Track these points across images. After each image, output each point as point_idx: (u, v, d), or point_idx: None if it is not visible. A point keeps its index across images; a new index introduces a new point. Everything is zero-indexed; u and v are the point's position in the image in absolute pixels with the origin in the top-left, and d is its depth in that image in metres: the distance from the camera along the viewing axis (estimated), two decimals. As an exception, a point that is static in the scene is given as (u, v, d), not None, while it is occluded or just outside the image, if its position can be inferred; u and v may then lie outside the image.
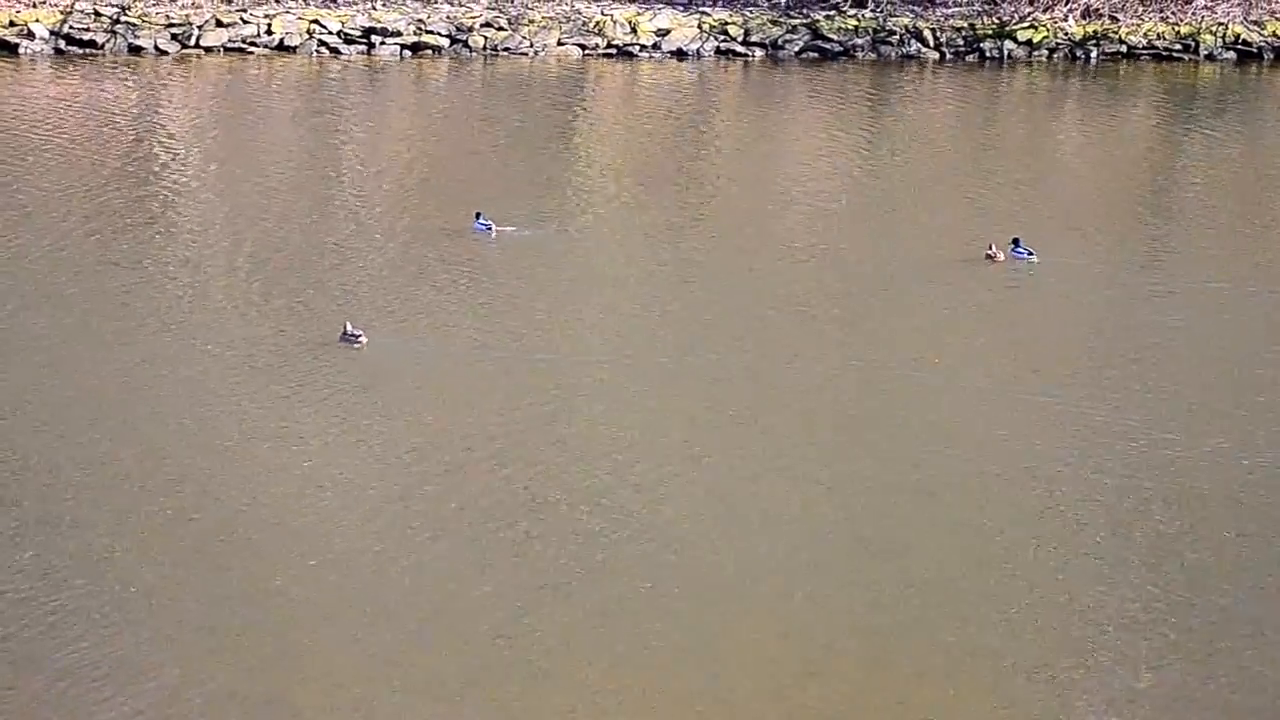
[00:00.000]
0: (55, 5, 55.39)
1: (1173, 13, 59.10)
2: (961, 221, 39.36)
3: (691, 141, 47.60)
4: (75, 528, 24.34)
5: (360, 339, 30.72)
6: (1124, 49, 58.30)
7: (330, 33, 56.05)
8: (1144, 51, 58.34)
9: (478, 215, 37.90)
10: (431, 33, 56.53)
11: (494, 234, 37.59)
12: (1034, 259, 35.98)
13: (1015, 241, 36.30)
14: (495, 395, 29.27)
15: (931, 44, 57.75)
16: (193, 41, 55.22)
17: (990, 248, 36.36)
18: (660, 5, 58.82)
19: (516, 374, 30.12)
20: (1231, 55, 58.29)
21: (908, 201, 41.79)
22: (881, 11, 58.31)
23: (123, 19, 55.16)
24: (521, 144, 46.37)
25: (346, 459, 26.72)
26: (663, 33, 57.37)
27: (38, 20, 54.74)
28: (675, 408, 29.19)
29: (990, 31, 58.08)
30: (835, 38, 57.61)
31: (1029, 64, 57.55)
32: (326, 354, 30.56)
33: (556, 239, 38.08)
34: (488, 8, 57.90)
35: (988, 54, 57.78)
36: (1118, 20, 58.75)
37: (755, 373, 30.71)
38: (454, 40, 56.54)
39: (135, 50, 54.81)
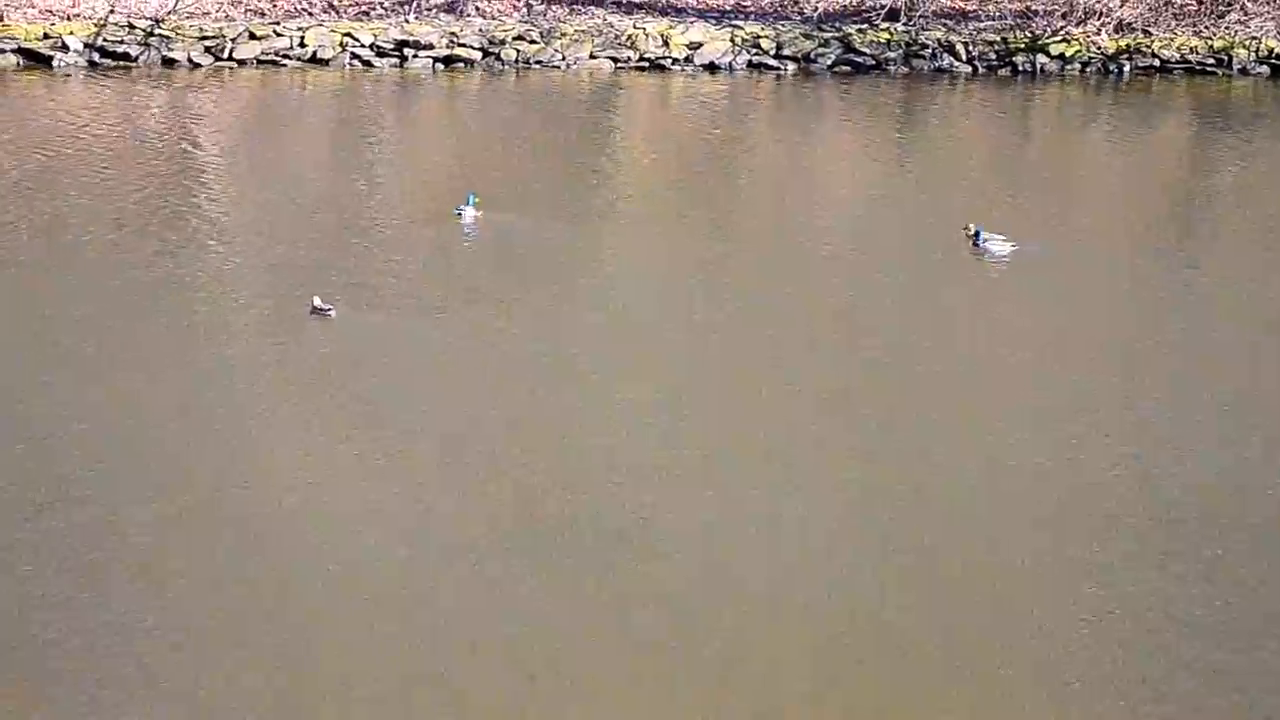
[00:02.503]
0: (89, 18, 55.59)
1: (1206, 27, 58.99)
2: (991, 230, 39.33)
3: (719, 151, 47.66)
4: (82, 516, 24.51)
5: (330, 312, 32.41)
6: (1157, 63, 58.18)
7: (363, 45, 56.15)
8: (1177, 66, 58.22)
9: (470, 198, 39.11)
10: (464, 46, 56.60)
11: (472, 219, 38.72)
12: (994, 248, 37.35)
13: (977, 232, 37.63)
14: (482, 380, 29.89)
15: (964, 58, 57.68)
16: (226, 54, 55.34)
17: (968, 228, 37.74)
18: (693, 19, 58.86)
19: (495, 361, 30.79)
20: (1265, 69, 58.14)
21: (937, 210, 41.67)
22: (914, 25, 58.25)
23: (156, 31, 55.31)
24: (549, 151, 46.53)
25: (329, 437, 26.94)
26: (695, 46, 57.39)
27: (72, 33, 54.92)
28: (672, 401, 29.39)
29: (1023, 45, 58.00)
30: (867, 51, 57.58)
31: (1061, 78, 57.43)
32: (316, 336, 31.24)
33: (540, 229, 38.59)
34: (520, 21, 58.00)
35: (1020, 68, 57.69)
36: (1150, 35, 58.63)
37: (760, 369, 30.86)
38: (486, 53, 56.61)
39: (169, 63, 54.95)
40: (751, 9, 59.93)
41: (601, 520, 24.99)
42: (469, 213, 38.80)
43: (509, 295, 34.43)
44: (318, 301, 32.70)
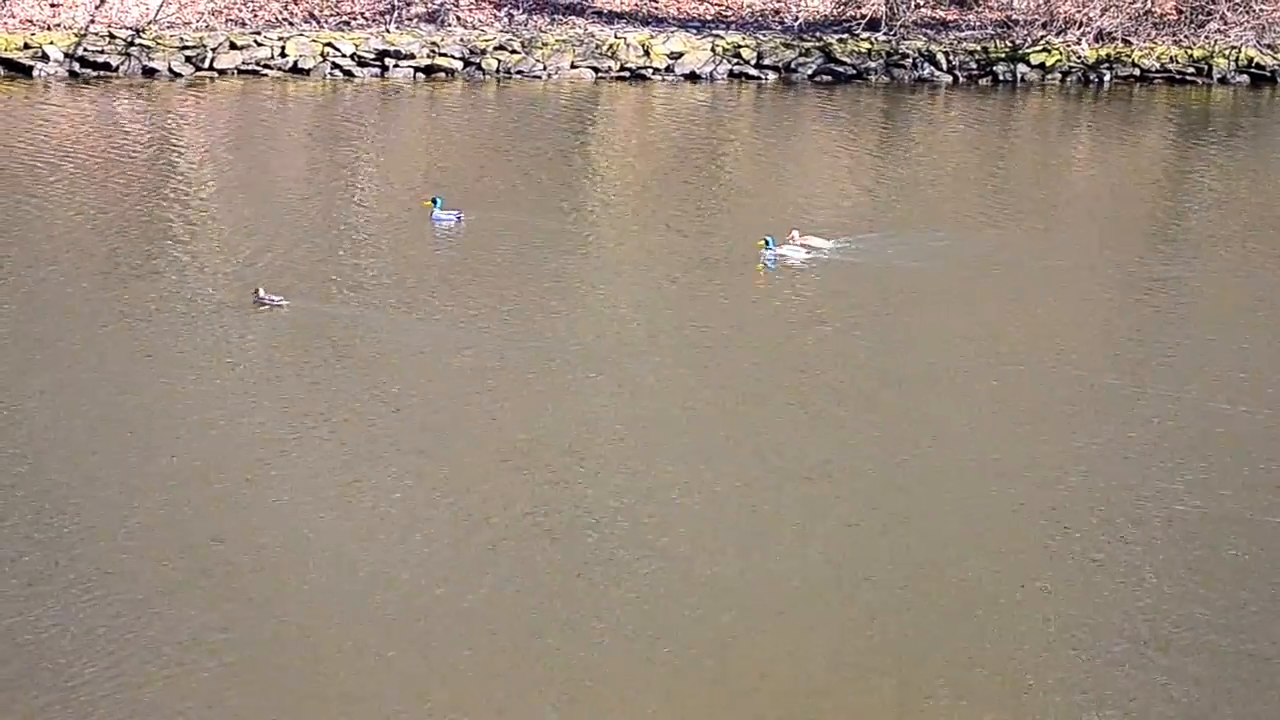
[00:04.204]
0: (69, 28, 55.64)
1: (1185, 36, 59.10)
2: (970, 239, 39.33)
3: (697, 161, 47.64)
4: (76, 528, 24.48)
5: (273, 302, 32.84)
6: (1137, 72, 58.30)
7: (344, 55, 56.22)
8: (1157, 75, 58.33)
9: (438, 202, 39.30)
10: (445, 55, 56.67)
11: (458, 222, 39.01)
12: (776, 254, 36.98)
13: (767, 241, 37.18)
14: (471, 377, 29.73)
15: (944, 67, 57.78)
16: (207, 64, 55.41)
17: (791, 234, 37.37)
18: (673, 28, 58.94)
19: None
20: (1244, 79, 58.28)
21: (914, 218, 41.72)
22: (894, 35, 58.34)
23: (137, 41, 55.36)
24: (529, 159, 46.55)
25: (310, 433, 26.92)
26: (676, 56, 57.47)
27: (52, 43, 54.96)
28: (639, 396, 29.44)
29: (1003, 55, 58.11)
30: (848, 61, 57.66)
31: (1042, 87, 57.54)
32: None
33: (518, 233, 38.87)
34: (501, 31, 58.07)
35: (1000, 77, 57.80)
36: (1130, 44, 58.75)
37: (729, 368, 30.81)
38: (467, 63, 56.67)
39: (149, 73, 55.01)
40: (732, 19, 60.03)
41: (573, 519, 25.00)
42: (452, 216, 38.95)
43: (481, 294, 34.53)
44: (261, 293, 33.10)
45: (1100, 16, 58.62)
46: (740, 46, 57.79)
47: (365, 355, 31.25)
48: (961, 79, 57.68)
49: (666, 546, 24.19)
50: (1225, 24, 59.19)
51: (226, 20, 57.24)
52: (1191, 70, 58.32)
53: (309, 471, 26.27)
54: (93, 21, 55.79)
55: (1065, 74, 58.11)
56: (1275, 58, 58.49)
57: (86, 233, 38.60)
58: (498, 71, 56.60)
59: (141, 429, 27.66)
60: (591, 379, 30.40)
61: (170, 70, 55.16)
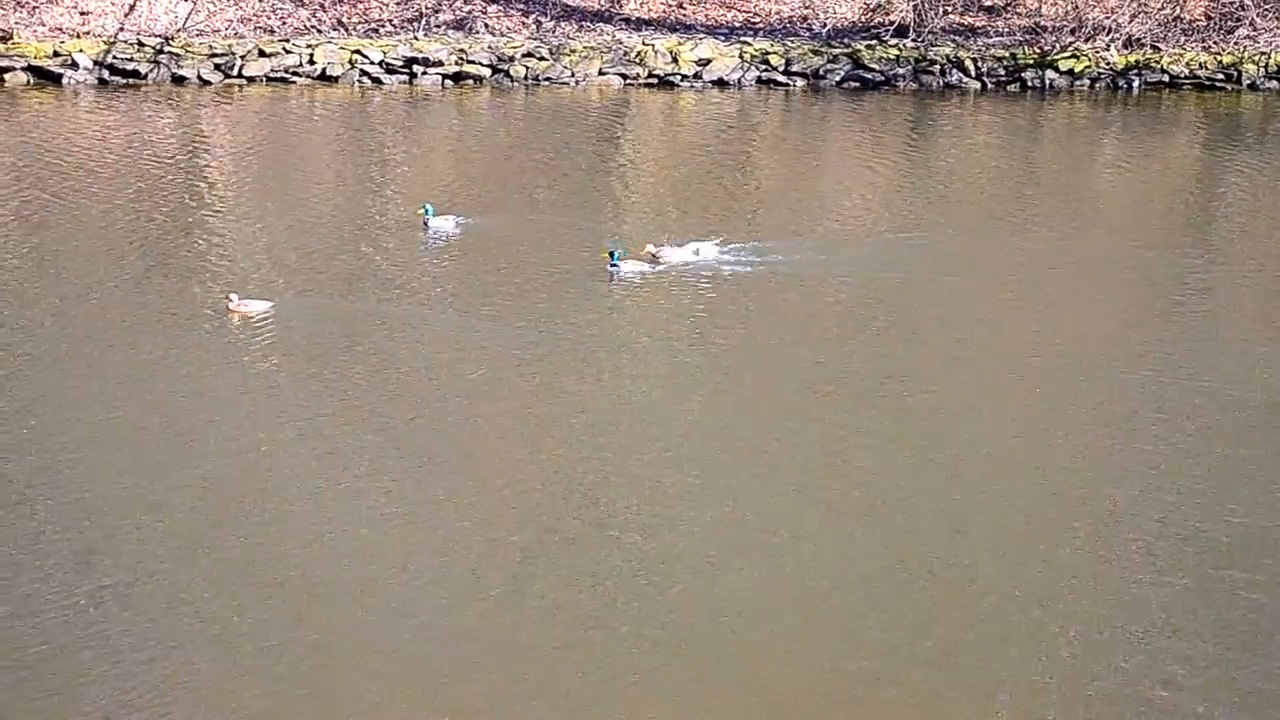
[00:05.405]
0: (99, 36, 55.81)
1: (1215, 42, 58.99)
2: (999, 247, 39.29)
3: (724, 167, 47.57)
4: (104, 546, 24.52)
5: (242, 309, 32.74)
6: (1166, 78, 58.20)
7: (372, 63, 56.33)
8: (1186, 81, 58.22)
9: (429, 209, 39.39)
10: (473, 62, 56.75)
11: (455, 227, 39.05)
12: (621, 267, 36.24)
13: (612, 254, 36.53)
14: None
15: (973, 74, 57.72)
16: (235, 71, 55.56)
17: (655, 246, 36.87)
18: (702, 35, 58.94)
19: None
20: (1274, 84, 58.13)
21: (940, 223, 41.64)
22: (923, 41, 58.29)
23: (166, 49, 55.53)
24: (554, 164, 46.56)
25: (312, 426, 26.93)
26: (704, 62, 57.48)
27: (81, 50, 55.15)
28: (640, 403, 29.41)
29: (1032, 61, 58.03)
30: (876, 67, 57.63)
31: (1071, 93, 57.46)
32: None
33: (533, 238, 38.98)
34: (529, 38, 58.14)
35: (1029, 83, 57.73)
36: (1160, 50, 58.64)
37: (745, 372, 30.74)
38: (495, 70, 56.75)
39: (178, 80, 55.18)
40: (761, 25, 60.02)
41: (593, 526, 25.00)
42: (450, 221, 39.07)
43: (505, 299, 34.55)
44: (234, 300, 33.05)
45: (1129, 23, 58.52)
46: (768, 53, 57.77)
47: (379, 360, 31.19)
48: (990, 85, 57.63)
49: (685, 551, 24.17)
50: (1255, 30, 59.08)
51: (255, 28, 57.40)
52: (1221, 76, 58.20)
53: (331, 481, 26.29)
54: (122, 29, 55.98)
55: (1094, 80, 58.02)
56: (1305, 63, 58.33)
57: (118, 238, 38.72)
58: (526, 78, 56.66)
59: (163, 433, 27.72)
60: (612, 383, 30.36)
61: (199, 78, 55.32)
